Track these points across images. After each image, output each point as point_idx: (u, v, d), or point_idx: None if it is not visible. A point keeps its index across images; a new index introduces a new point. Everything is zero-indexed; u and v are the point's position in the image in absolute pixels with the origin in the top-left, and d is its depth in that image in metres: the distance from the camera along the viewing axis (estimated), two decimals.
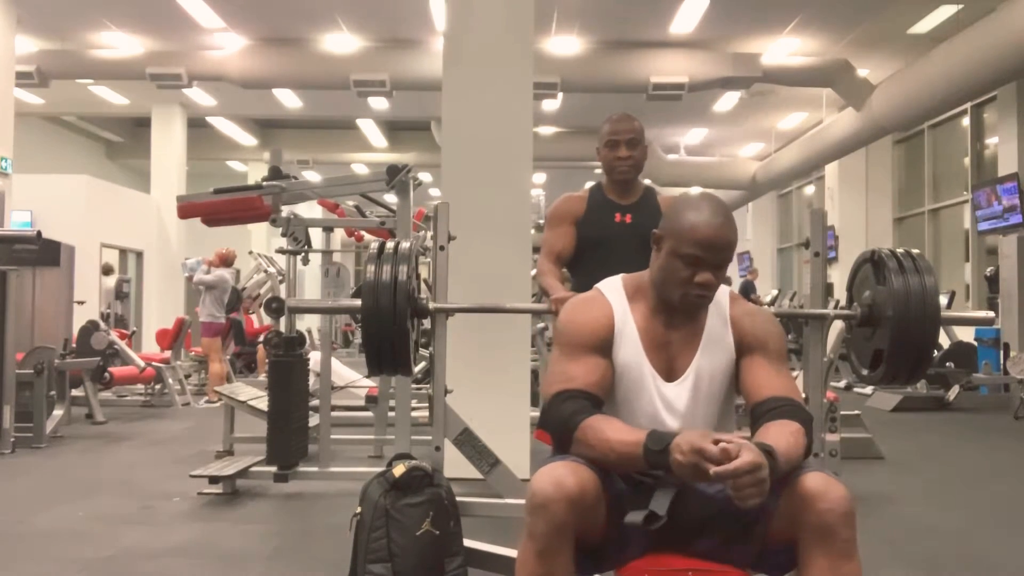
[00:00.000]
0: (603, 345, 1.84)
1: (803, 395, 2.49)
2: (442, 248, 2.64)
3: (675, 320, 1.86)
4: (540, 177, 19.55)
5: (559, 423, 1.76)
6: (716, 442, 1.52)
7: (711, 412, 1.85)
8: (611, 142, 3.02)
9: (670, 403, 1.83)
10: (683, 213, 1.80)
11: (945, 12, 9.56)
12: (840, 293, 2.96)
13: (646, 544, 1.74)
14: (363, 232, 6.88)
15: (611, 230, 3.03)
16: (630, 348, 1.85)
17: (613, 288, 1.93)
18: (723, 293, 1.91)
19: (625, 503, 1.70)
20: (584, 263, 3.04)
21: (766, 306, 7.60)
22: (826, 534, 1.57)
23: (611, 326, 1.86)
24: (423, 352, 5.07)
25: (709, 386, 1.85)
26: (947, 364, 8.75)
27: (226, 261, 9.18)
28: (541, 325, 6.37)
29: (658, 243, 1.84)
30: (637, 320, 1.87)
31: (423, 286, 3.10)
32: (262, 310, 9.97)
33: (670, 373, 1.85)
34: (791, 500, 1.62)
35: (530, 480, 1.65)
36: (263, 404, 4.90)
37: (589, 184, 3.30)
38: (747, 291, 14.26)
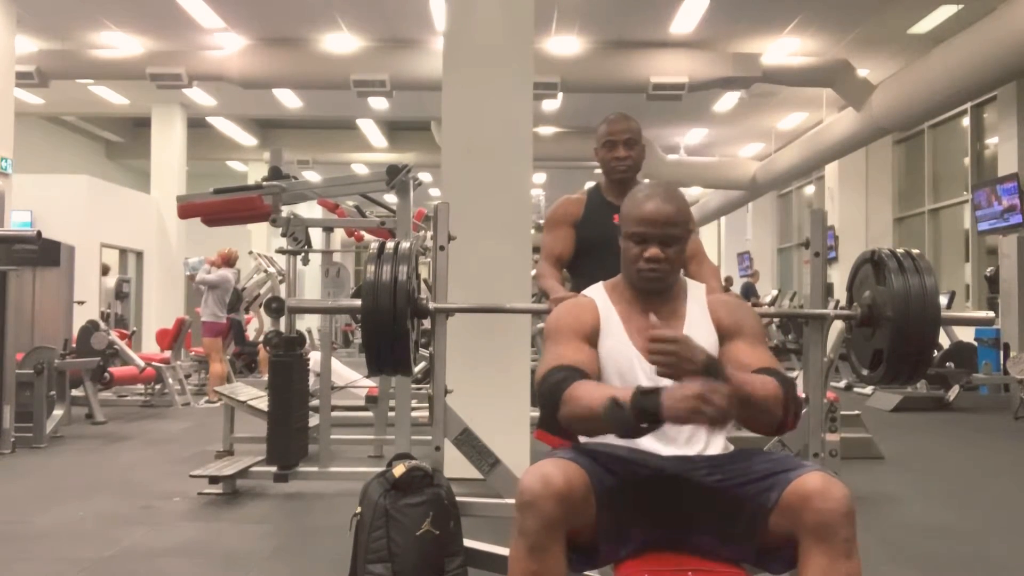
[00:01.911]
0: (590, 333, 1.94)
1: (803, 395, 2.51)
2: (442, 248, 2.64)
3: (652, 306, 1.93)
4: (540, 177, 19.54)
5: (548, 391, 1.82)
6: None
7: None
8: (608, 143, 3.01)
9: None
10: (630, 200, 1.99)
11: (945, 12, 9.55)
12: (840, 293, 2.96)
13: (641, 540, 1.75)
14: (363, 232, 6.88)
15: (610, 231, 2.99)
16: (616, 335, 1.94)
17: (595, 289, 2.08)
18: (699, 287, 2.05)
19: (614, 499, 1.71)
20: (584, 265, 3.03)
21: (766, 307, 7.62)
22: (826, 533, 1.58)
23: (596, 317, 1.97)
24: (423, 352, 5.07)
25: None
26: (947, 364, 8.76)
27: (228, 261, 9.19)
28: (541, 325, 6.36)
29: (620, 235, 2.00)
30: (619, 311, 1.98)
31: (423, 286, 3.10)
32: (262, 311, 9.97)
33: None
34: (791, 499, 1.63)
35: (520, 478, 1.67)
36: (263, 404, 4.90)
37: (589, 184, 3.29)
38: (748, 293, 14.27)
